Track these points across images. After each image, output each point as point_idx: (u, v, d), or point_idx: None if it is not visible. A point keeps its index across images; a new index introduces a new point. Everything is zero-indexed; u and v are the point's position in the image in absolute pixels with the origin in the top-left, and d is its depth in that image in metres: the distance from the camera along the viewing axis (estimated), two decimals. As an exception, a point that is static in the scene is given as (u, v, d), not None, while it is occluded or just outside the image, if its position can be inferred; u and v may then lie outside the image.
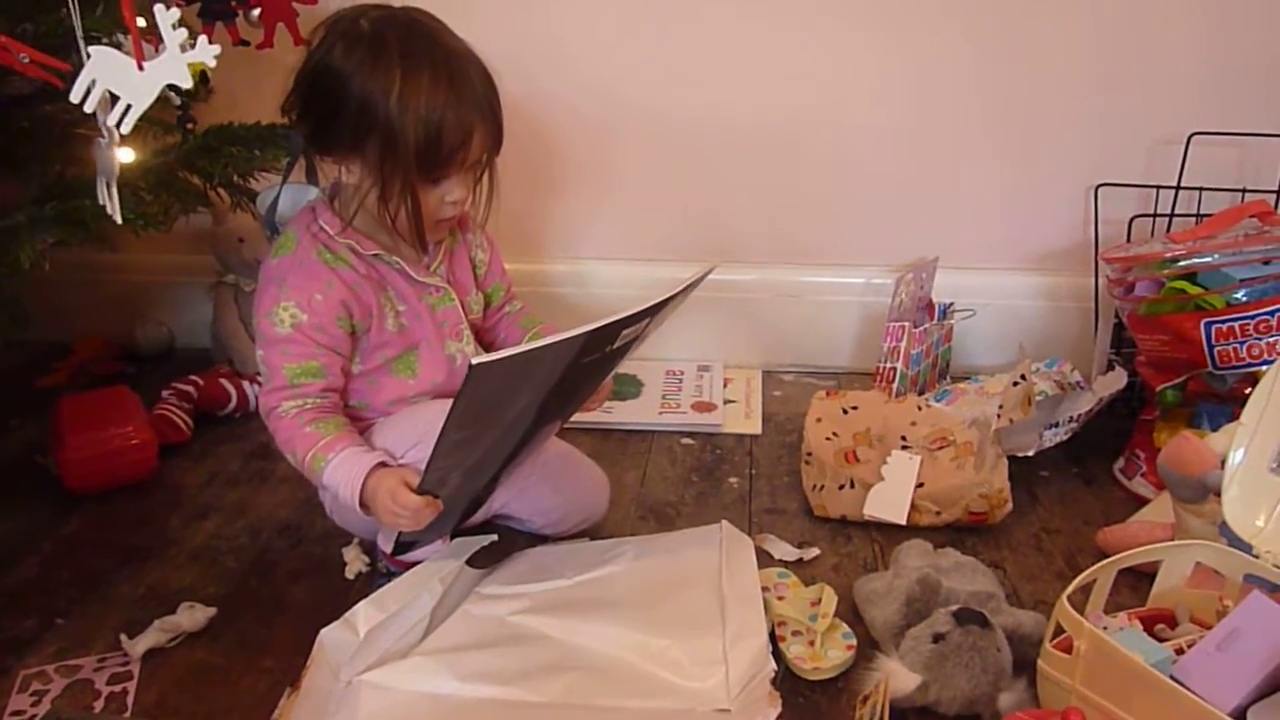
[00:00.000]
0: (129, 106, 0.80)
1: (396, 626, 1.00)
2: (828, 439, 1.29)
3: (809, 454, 1.29)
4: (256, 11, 1.40)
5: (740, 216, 1.65)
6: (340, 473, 1.00)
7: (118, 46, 0.85)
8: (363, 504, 1.00)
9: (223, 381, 1.53)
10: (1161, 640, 0.91)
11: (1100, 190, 1.52)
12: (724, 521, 1.15)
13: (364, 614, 1.00)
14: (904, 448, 1.24)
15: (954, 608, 0.95)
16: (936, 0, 1.49)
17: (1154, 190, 1.49)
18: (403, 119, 0.95)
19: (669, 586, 1.06)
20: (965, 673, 0.90)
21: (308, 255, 1.04)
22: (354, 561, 1.15)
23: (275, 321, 1.02)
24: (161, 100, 1.10)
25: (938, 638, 0.92)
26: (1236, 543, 0.94)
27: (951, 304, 1.59)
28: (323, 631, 0.98)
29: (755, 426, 1.50)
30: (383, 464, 1.00)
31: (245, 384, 1.54)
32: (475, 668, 0.95)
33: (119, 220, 0.81)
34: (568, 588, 1.07)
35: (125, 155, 1.10)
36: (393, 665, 0.96)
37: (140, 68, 0.79)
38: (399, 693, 0.93)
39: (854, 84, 1.56)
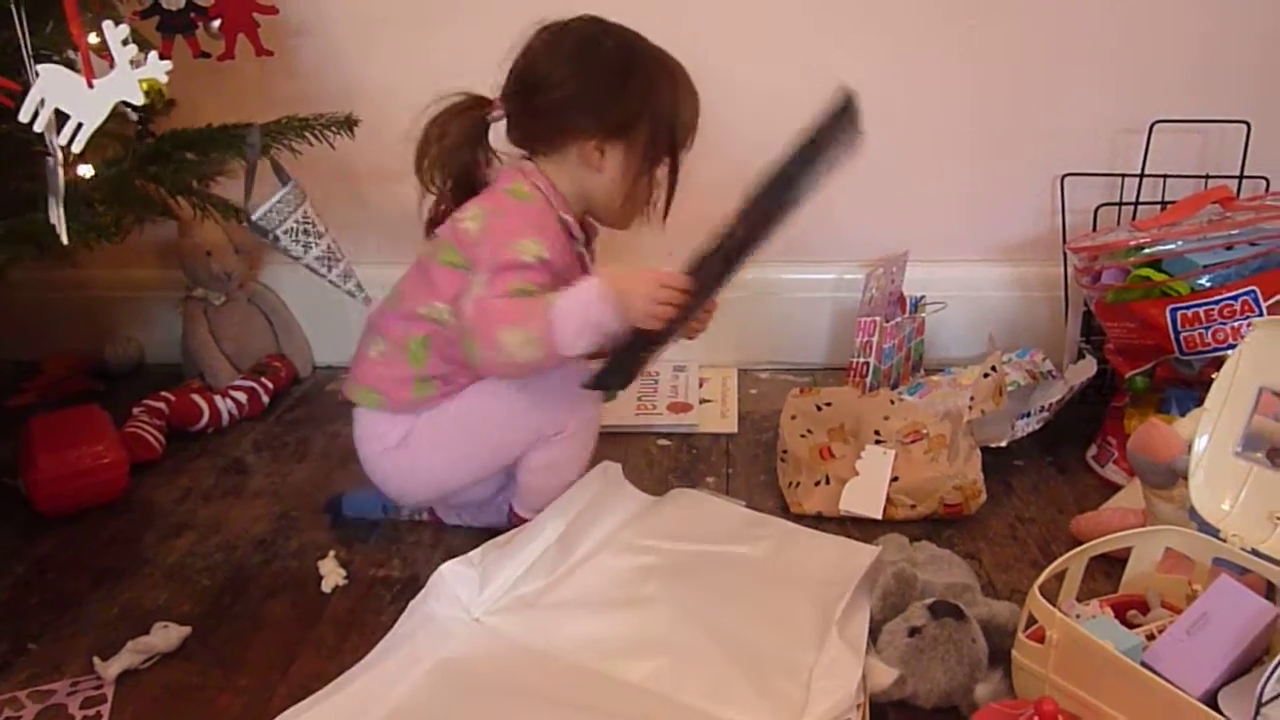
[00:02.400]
0: (80, 125, 0.78)
1: (521, 556, 1.07)
2: (802, 436, 1.29)
3: (784, 452, 1.29)
4: (217, 23, 1.40)
5: (710, 215, 1.64)
6: (573, 299, 1.01)
7: (69, 64, 0.84)
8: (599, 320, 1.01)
9: (194, 397, 1.52)
10: (1134, 626, 0.92)
11: (1066, 180, 1.53)
12: (880, 548, 1.11)
13: (482, 551, 1.08)
14: (878, 442, 1.25)
15: (929, 601, 0.95)
16: (901, -5, 1.50)
17: (1119, 179, 1.51)
18: (673, 108, 1.09)
19: (791, 588, 1.07)
20: (941, 665, 0.90)
21: (548, 211, 1.10)
22: (330, 574, 1.14)
23: (521, 250, 1.05)
24: (118, 115, 1.10)
25: (914, 631, 0.93)
26: (1205, 527, 0.95)
27: (923, 297, 1.60)
28: (443, 566, 1.05)
29: (731, 425, 1.50)
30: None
31: (217, 399, 1.53)
32: (586, 631, 1.01)
33: (65, 240, 0.79)
34: (699, 554, 1.12)
35: (85, 171, 1.09)
36: (519, 613, 1.03)
37: (90, 85, 0.77)
38: (511, 643, 1.00)
39: (818, 80, 1.55)
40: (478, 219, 1.08)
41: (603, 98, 1.07)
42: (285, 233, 1.33)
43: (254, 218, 1.29)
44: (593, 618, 1.04)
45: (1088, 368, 1.37)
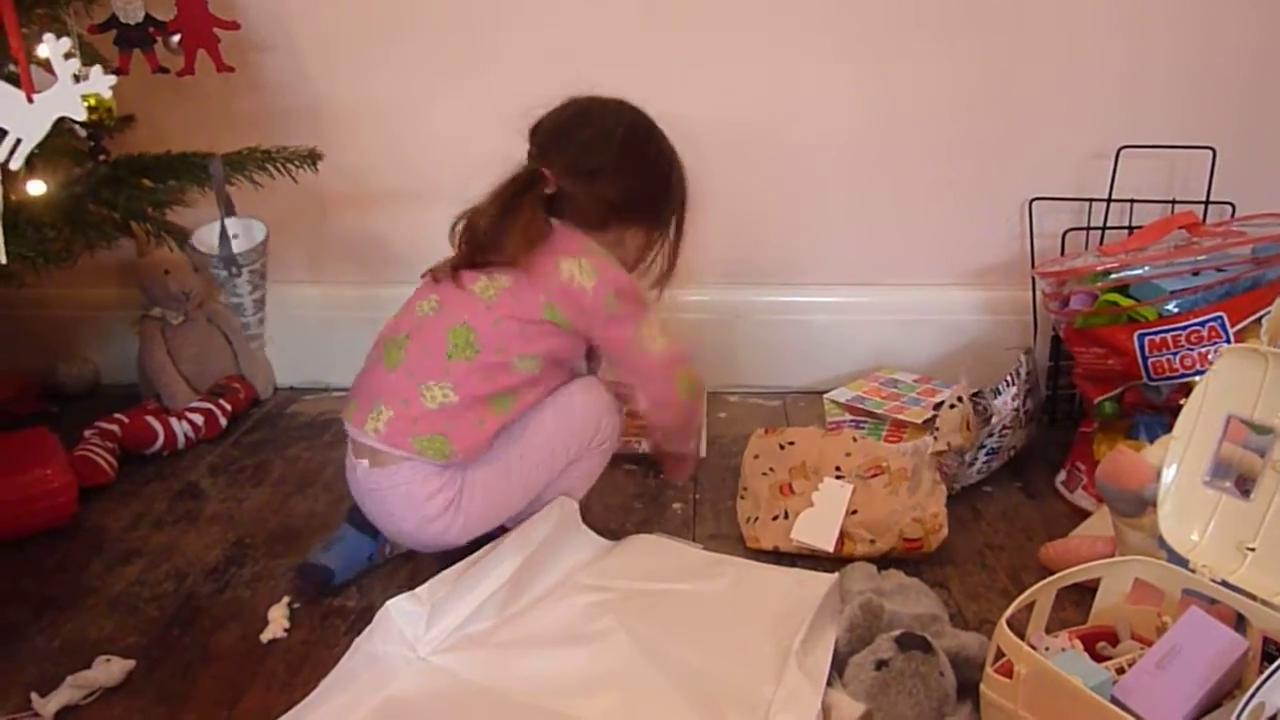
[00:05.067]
0: (19, 141, 0.75)
1: (472, 596, 1.05)
2: (764, 474, 1.27)
3: (744, 488, 1.27)
4: (176, 38, 1.37)
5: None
6: None
7: (11, 78, 0.81)
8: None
9: (149, 419, 1.48)
10: (1103, 658, 0.91)
11: (1034, 204, 1.54)
12: (837, 575, 1.10)
13: (430, 588, 1.04)
14: (838, 477, 1.22)
15: (896, 633, 0.93)
16: (871, 23, 1.50)
17: (1086, 203, 1.51)
18: (684, 195, 1.23)
19: (748, 621, 1.05)
20: (909, 700, 0.89)
21: None
22: (275, 623, 1.08)
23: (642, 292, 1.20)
24: (68, 132, 1.07)
25: (880, 665, 0.91)
26: (1175, 557, 0.94)
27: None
28: (389, 603, 1.02)
29: (699, 450, 1.48)
30: None
31: (173, 421, 1.49)
32: (537, 669, 0.99)
33: (3, 259, 0.76)
34: (653, 591, 1.10)
35: (36, 188, 1.06)
36: (468, 651, 1.01)
37: (30, 100, 0.74)
38: (459, 681, 0.98)
39: (791, 105, 1.55)
40: (590, 275, 1.12)
41: (654, 201, 1.21)
42: (251, 271, 1.32)
43: (234, 251, 1.28)
44: (544, 655, 1.01)
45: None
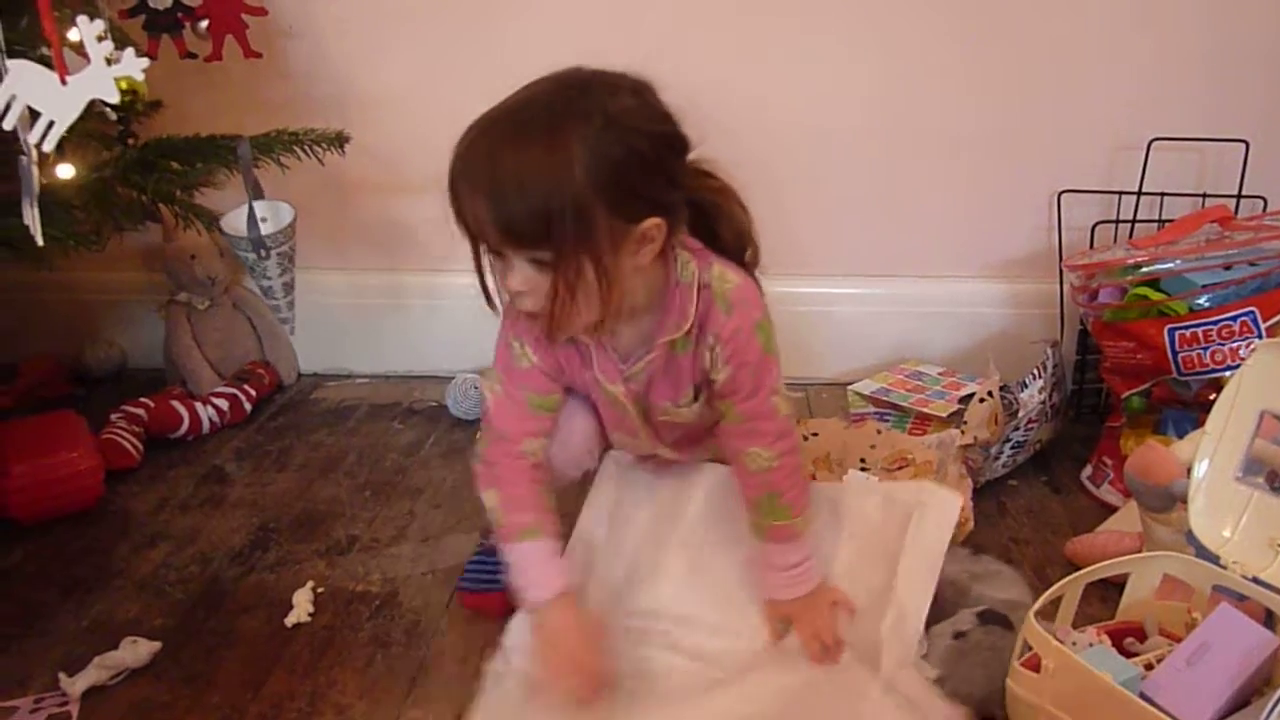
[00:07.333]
0: (52, 123, 0.76)
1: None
2: (788, 465, 1.26)
3: (768, 478, 1.27)
4: (204, 23, 1.38)
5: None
6: (535, 572, 0.96)
7: (44, 61, 0.81)
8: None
9: (174, 403, 1.49)
10: (1131, 654, 0.90)
11: (1063, 196, 1.52)
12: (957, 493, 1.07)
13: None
14: (862, 469, 1.22)
15: (980, 608, 0.95)
16: (899, 10, 1.48)
17: (1116, 196, 1.49)
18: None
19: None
20: (982, 671, 0.90)
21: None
22: (300, 607, 1.09)
23: (514, 354, 0.97)
24: (98, 116, 1.07)
25: (959, 635, 0.92)
26: (1204, 552, 0.93)
27: None
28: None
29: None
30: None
31: (198, 405, 1.50)
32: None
33: (40, 241, 0.77)
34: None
35: (65, 172, 1.06)
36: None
37: (63, 82, 0.75)
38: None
39: (816, 93, 1.54)
40: None
41: None
42: (279, 254, 1.33)
43: (263, 234, 1.28)
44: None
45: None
